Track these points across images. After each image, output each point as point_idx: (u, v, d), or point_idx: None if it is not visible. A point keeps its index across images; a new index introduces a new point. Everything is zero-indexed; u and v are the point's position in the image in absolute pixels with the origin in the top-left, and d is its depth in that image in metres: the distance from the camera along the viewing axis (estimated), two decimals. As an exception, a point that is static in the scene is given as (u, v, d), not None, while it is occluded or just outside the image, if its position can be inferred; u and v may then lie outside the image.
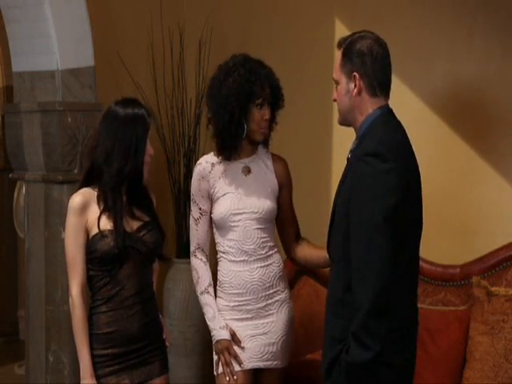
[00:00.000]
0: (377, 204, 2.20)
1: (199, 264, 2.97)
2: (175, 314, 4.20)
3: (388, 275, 2.21)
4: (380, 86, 2.39)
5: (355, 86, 2.37)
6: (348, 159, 2.47)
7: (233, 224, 2.89)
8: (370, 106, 2.39)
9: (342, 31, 4.04)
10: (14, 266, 6.08)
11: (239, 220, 2.89)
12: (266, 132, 2.93)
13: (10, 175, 4.00)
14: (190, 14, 4.49)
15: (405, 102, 3.90)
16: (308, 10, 4.17)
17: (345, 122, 2.49)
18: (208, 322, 2.92)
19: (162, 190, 4.44)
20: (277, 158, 3.04)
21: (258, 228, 2.90)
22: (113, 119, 2.76)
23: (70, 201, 2.73)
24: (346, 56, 2.39)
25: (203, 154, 4.37)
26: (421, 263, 3.69)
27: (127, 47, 4.17)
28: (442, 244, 3.81)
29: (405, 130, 2.45)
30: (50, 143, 3.65)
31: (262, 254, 2.91)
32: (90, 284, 2.76)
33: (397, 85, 3.86)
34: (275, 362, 2.95)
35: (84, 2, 3.68)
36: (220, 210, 2.91)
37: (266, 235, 2.92)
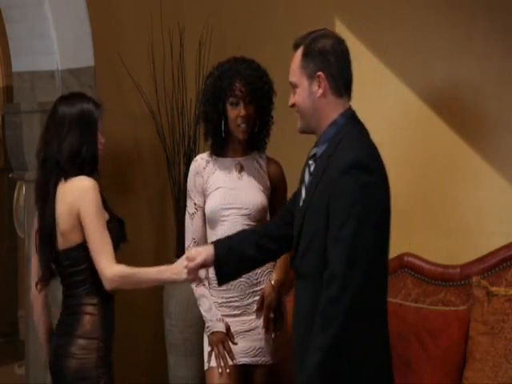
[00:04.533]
0: (362, 223, 2.13)
1: None
2: (175, 313, 4.20)
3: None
4: (345, 85, 2.29)
5: (319, 86, 2.26)
6: (307, 164, 2.36)
7: (222, 218, 2.94)
8: (335, 108, 2.28)
9: (342, 31, 4.03)
10: (14, 266, 6.08)
11: (228, 215, 2.94)
12: (245, 130, 2.93)
13: (10, 175, 4.00)
14: (190, 14, 4.49)
15: (404, 102, 3.90)
16: (308, 10, 4.17)
17: (307, 128, 2.35)
18: (204, 313, 2.95)
19: (162, 190, 4.44)
20: (271, 161, 3.09)
21: (246, 224, 2.93)
22: (61, 121, 2.72)
23: (85, 183, 2.69)
24: (308, 55, 2.27)
25: (203, 154, 4.41)
26: (421, 263, 3.72)
27: (127, 47, 4.17)
28: (441, 244, 3.81)
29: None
30: (49, 143, 3.64)
31: None
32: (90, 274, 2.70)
33: (396, 84, 3.90)
34: (264, 359, 2.96)
35: (84, 2, 3.68)
36: (211, 203, 2.96)
37: None
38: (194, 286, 2.99)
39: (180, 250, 4.28)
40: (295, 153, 3.92)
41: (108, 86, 3.95)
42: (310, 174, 2.33)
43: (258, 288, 2.96)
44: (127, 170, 4.28)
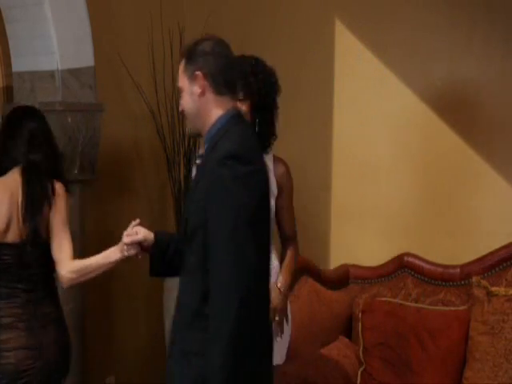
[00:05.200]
0: (239, 212, 2.14)
1: None
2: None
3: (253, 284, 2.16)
4: (225, 84, 2.31)
5: (198, 85, 2.29)
6: (198, 165, 2.41)
7: None
8: (215, 106, 2.30)
9: (342, 31, 4.05)
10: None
11: None
12: None
13: (10, 175, 3.99)
14: (190, 14, 4.49)
15: (404, 103, 3.90)
16: (308, 10, 4.17)
17: (194, 130, 2.39)
18: None
19: (162, 189, 4.44)
20: (278, 161, 3.06)
21: None
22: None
23: (62, 187, 2.87)
24: (189, 59, 2.32)
25: (203, 154, 4.40)
26: (421, 263, 3.73)
27: (127, 47, 4.17)
28: (441, 244, 3.82)
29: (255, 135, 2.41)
30: (49, 143, 3.64)
31: None
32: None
33: (396, 85, 3.90)
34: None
35: (84, 2, 3.67)
36: None
37: None
38: None
39: (180, 250, 4.28)
40: (295, 151, 3.92)
41: (108, 86, 3.95)
42: (196, 172, 2.42)
43: None
44: (127, 169, 4.27)
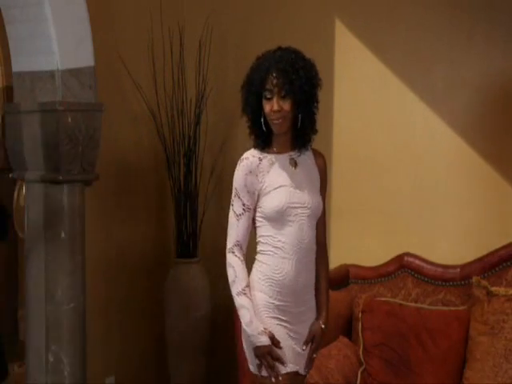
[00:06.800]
0: None
1: (237, 262, 2.78)
2: (175, 313, 4.20)
3: None
4: None
5: None
6: None
7: (289, 218, 2.75)
8: None
9: (342, 31, 4.05)
10: (14, 266, 6.08)
11: (295, 214, 2.75)
12: (280, 124, 2.74)
13: (10, 175, 4.00)
14: (190, 14, 4.50)
15: (405, 104, 3.90)
16: (308, 10, 4.17)
17: None
18: (245, 327, 2.75)
19: (162, 189, 4.44)
20: (318, 153, 2.90)
21: (310, 225, 2.78)
22: None
23: None
24: None
25: (203, 154, 4.40)
26: (421, 263, 3.73)
27: (127, 47, 4.17)
28: (442, 244, 3.82)
29: None
30: (49, 143, 3.64)
31: (311, 256, 2.80)
32: None
33: (397, 86, 3.90)
34: (303, 367, 2.83)
35: (84, 1, 3.67)
36: (275, 202, 2.76)
37: (315, 234, 2.82)
38: (235, 294, 2.76)
39: (180, 250, 4.28)
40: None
41: (108, 86, 3.95)
42: None
43: (308, 297, 2.81)
44: (127, 169, 4.28)
